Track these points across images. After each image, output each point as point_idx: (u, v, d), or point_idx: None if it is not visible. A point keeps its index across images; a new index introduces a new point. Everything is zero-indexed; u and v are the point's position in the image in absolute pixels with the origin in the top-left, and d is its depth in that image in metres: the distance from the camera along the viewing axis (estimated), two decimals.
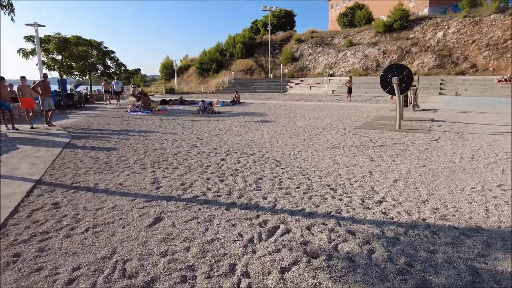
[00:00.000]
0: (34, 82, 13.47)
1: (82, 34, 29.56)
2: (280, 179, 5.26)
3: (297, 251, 3.07)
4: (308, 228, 3.57)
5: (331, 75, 39.17)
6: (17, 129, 10.03)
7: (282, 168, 5.88)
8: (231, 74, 40.68)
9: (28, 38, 16.66)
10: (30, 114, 10.83)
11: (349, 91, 23.33)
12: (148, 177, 5.32)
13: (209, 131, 10.16)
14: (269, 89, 38.54)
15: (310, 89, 37.36)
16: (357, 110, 16.26)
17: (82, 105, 18.10)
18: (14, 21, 5.48)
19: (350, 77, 25.43)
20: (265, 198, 4.42)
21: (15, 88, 14.33)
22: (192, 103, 20.92)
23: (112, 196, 4.49)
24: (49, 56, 17.40)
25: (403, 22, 38.21)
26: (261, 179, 5.27)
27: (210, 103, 15.81)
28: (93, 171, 5.70)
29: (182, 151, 7.29)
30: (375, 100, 23.39)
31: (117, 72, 22.62)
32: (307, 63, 44.19)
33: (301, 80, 40.07)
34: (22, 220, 3.71)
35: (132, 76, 37.01)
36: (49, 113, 11.00)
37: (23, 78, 10.75)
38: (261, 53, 46.61)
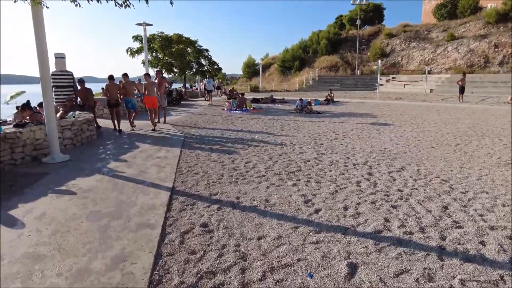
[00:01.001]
0: (139, 80, 13.84)
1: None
2: (476, 210, 3.83)
3: None
4: None
5: (428, 72, 35.05)
6: (134, 128, 9.74)
7: (461, 193, 4.42)
8: (314, 71, 39.05)
9: (136, 38, 17.49)
10: (153, 115, 9.71)
11: (462, 90, 20.13)
12: (294, 193, 4.36)
13: (323, 134, 9.01)
14: (356, 86, 36.04)
15: (404, 87, 33.90)
16: (483, 113, 13.54)
17: (180, 102, 18.50)
18: (173, 5, 4.99)
19: (464, 74, 21.98)
20: (483, 244, 3.07)
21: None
22: (282, 101, 20.06)
23: (266, 218, 3.59)
24: (153, 54, 18.11)
25: None
26: (446, 208, 3.91)
27: (309, 103, 14.67)
28: (226, 179, 4.95)
29: (310, 158, 6.24)
30: (490, 101, 19.73)
31: (210, 70, 22.84)
32: (399, 59, 40.40)
33: (393, 78, 36.63)
34: (177, 249, 2.97)
35: (216, 74, 37.96)
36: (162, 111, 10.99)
37: (146, 75, 9.81)
38: (347, 49, 44.03)
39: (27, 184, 4.70)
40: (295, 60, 42.27)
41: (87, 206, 3.88)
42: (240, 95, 16.14)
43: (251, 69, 46.81)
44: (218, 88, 22.55)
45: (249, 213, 3.72)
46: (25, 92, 25.97)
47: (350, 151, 6.85)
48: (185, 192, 4.43)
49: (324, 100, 18.99)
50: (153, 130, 9.45)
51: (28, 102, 7.27)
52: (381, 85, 35.21)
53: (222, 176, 5.13)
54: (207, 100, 18.99)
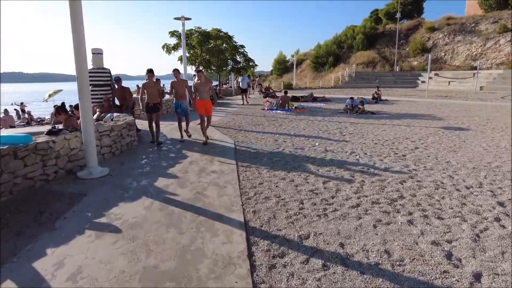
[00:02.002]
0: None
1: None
2: None
3: None
4: None
5: (475, 68, 32.22)
6: (190, 135, 8.09)
7: None
8: (350, 67, 37.10)
9: (173, 33, 16.57)
10: (205, 124, 7.57)
11: None
12: (419, 239, 3.08)
13: (396, 140, 7.60)
14: (395, 83, 33.84)
15: (449, 84, 31.38)
16: None
17: (216, 101, 17.51)
18: None
19: None
20: None
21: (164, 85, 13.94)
22: (325, 100, 18.63)
23: None
24: (190, 51, 17.16)
25: None
26: None
27: (362, 102, 13.19)
28: (310, 209, 3.74)
29: (405, 178, 4.89)
30: None
31: (246, 67, 21.62)
32: (442, 54, 37.66)
33: (435, 74, 34.06)
34: None
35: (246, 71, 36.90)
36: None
37: (200, 72, 7.54)
38: (384, 44, 41.70)
39: (59, 212, 3.71)
40: (329, 56, 40.45)
41: (138, 256, 2.80)
42: (283, 93, 14.88)
43: (282, 66, 45.39)
44: (260, 84, 21.21)
45: (374, 279, 2.49)
46: (62, 90, 26.04)
47: (446, 167, 5.45)
48: (264, 231, 3.26)
49: (372, 99, 17.38)
50: (204, 143, 7.36)
51: (63, 104, 6.39)
52: (423, 82, 32.88)
53: (302, 204, 3.92)
54: (245, 99, 17.50)
